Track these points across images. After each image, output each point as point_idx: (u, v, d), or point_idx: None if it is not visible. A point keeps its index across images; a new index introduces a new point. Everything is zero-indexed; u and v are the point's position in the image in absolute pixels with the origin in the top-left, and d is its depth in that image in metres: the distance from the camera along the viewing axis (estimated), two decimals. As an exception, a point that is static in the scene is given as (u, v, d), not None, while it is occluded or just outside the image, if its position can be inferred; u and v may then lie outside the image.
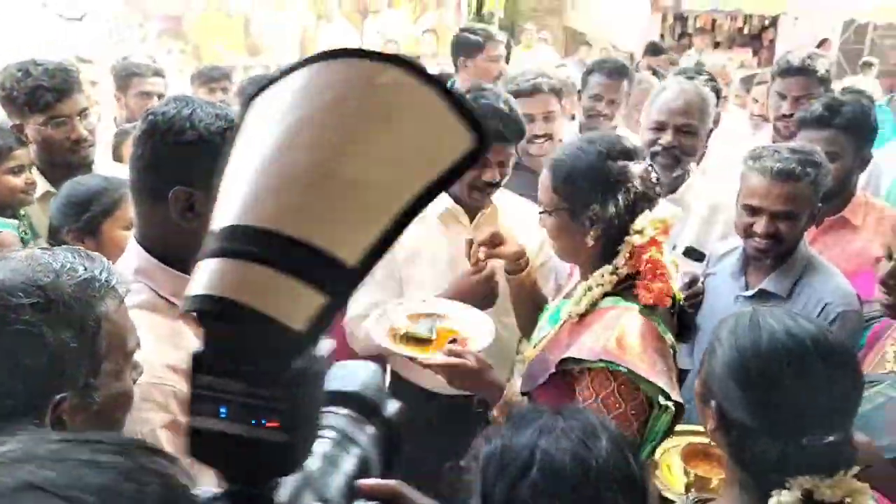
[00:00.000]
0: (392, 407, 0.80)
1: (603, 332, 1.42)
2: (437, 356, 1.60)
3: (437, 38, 8.28)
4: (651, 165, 1.51)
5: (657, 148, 2.17)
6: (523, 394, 1.57)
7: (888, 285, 1.54)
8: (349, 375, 0.80)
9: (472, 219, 2.04)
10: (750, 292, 1.89)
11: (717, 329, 1.16)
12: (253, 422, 0.56)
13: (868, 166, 2.25)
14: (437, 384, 1.95)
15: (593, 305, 1.49)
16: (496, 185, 1.97)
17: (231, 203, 0.56)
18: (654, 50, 6.02)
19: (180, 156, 1.20)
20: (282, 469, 0.60)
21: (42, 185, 2.20)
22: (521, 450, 0.98)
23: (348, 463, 0.71)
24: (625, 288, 1.48)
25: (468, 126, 0.54)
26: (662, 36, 10.50)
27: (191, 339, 1.33)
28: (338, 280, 0.53)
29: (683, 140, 2.18)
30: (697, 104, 2.21)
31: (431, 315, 1.81)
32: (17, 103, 2.13)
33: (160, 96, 3.11)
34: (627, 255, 1.46)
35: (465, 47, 3.42)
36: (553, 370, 1.46)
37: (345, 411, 0.75)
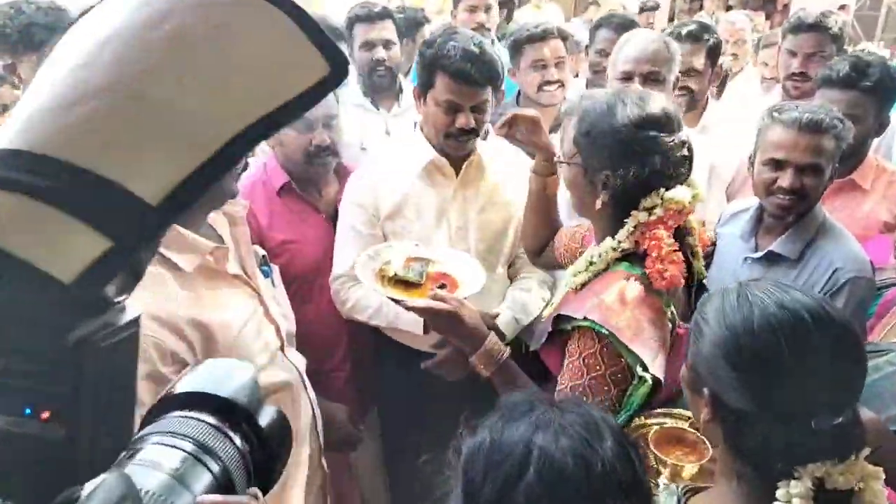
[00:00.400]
0: (268, 414, 0.69)
1: (596, 293, 1.39)
2: (419, 300, 1.56)
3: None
4: (685, 141, 1.40)
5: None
6: (533, 352, 1.54)
7: None
8: (220, 376, 0.70)
9: (457, 171, 1.99)
10: (759, 254, 1.85)
11: (700, 307, 1.05)
12: (19, 411, 0.43)
13: (885, 130, 2.19)
14: (421, 343, 1.94)
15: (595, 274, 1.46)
16: (473, 132, 1.90)
17: (7, 126, 0.44)
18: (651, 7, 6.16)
19: None
20: (61, 478, 0.45)
21: None
22: (513, 446, 0.87)
23: (202, 481, 0.60)
24: (631, 254, 1.43)
25: (321, 53, 0.46)
26: (674, -2, 10.26)
27: (173, 288, 1.32)
28: (130, 220, 0.42)
29: (652, 88, 2.12)
30: (663, 52, 2.17)
31: (423, 259, 1.78)
32: (10, 41, 2.10)
33: None
34: (631, 229, 1.39)
35: None
36: (550, 329, 1.44)
37: (209, 419, 0.64)
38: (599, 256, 1.43)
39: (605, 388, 1.33)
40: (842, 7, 9.95)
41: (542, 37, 2.61)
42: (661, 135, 1.35)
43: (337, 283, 2.01)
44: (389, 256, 1.77)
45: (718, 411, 0.98)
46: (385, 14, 2.74)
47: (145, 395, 1.14)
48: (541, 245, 1.88)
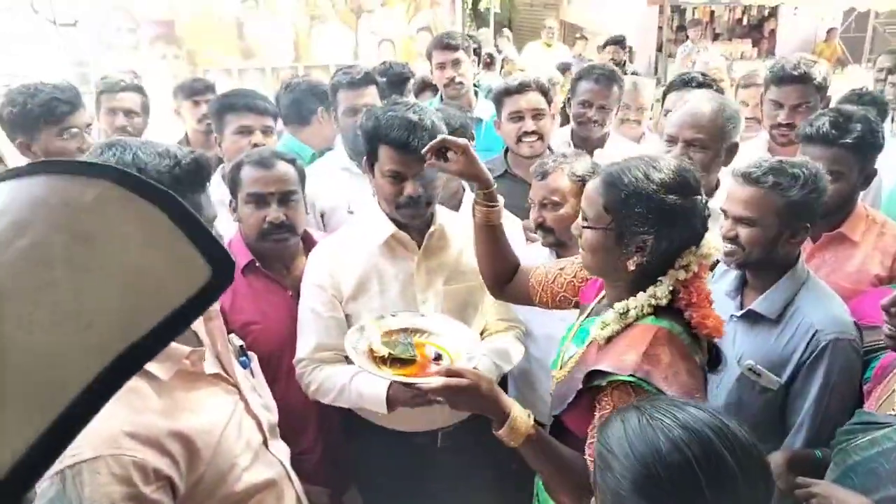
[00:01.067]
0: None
1: (631, 347, 1.37)
2: (434, 380, 1.48)
3: (431, 37, 8.20)
4: (705, 201, 1.44)
5: None
6: (554, 416, 1.52)
7: (891, 313, 1.46)
8: None
9: (419, 243, 1.96)
10: (739, 312, 1.83)
11: (601, 433, 1.05)
12: None
13: (872, 182, 2.16)
14: (388, 421, 1.93)
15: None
16: (423, 201, 1.87)
17: None
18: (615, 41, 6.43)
19: None
20: None
21: None
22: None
23: None
24: (656, 308, 1.43)
25: (202, 254, 0.41)
26: (661, 28, 10.39)
27: (150, 399, 1.28)
28: None
29: (692, 154, 2.14)
30: (710, 119, 2.16)
31: (405, 330, 1.74)
32: (31, 117, 2.23)
33: (129, 112, 3.08)
34: (670, 288, 1.41)
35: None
36: (580, 387, 1.40)
37: None
38: (629, 311, 1.42)
39: None
40: (830, 31, 10.09)
41: (519, 89, 2.68)
42: (698, 198, 1.40)
43: (300, 367, 1.97)
44: (369, 335, 1.73)
45: None
46: (367, 80, 2.76)
47: None
48: (500, 279, 1.85)
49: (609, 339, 1.44)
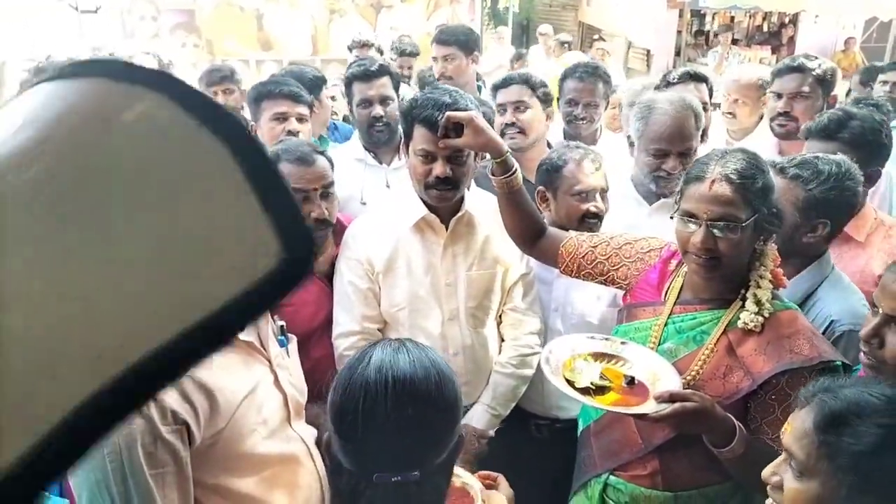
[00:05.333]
0: None
1: (803, 336, 1.50)
2: (668, 407, 1.43)
3: (450, 34, 8.25)
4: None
5: (662, 173, 2.17)
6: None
7: (870, 344, 1.39)
8: None
9: (447, 226, 2.00)
10: None
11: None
12: None
13: (878, 182, 2.18)
14: None
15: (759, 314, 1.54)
16: (451, 182, 1.89)
17: None
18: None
19: None
20: None
21: None
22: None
23: None
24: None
25: (276, 230, 0.30)
26: (680, 32, 10.37)
27: None
28: None
29: (684, 163, 2.15)
30: (690, 121, 2.18)
31: (580, 356, 1.63)
32: None
33: None
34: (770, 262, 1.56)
35: None
36: (755, 386, 1.49)
37: None
38: (763, 304, 1.53)
39: None
40: (848, 39, 10.02)
41: (503, 83, 2.77)
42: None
43: (349, 341, 1.99)
44: (559, 357, 1.63)
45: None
46: (381, 72, 2.79)
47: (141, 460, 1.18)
48: (526, 239, 1.87)
49: (749, 332, 1.52)
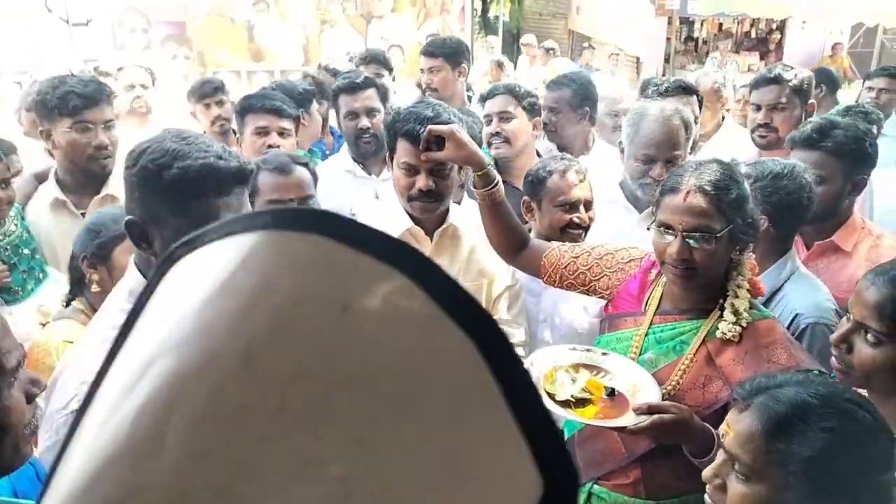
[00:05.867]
0: None
1: (781, 345, 1.52)
2: (647, 419, 1.43)
3: (440, 44, 8.26)
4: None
5: (648, 180, 2.17)
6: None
7: (839, 349, 1.40)
8: None
9: (432, 238, 2.00)
10: None
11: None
12: None
13: (863, 191, 2.19)
14: None
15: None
16: (434, 195, 1.90)
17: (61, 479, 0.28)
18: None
19: (131, 187, 1.30)
20: None
21: (56, 195, 2.36)
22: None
23: None
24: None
25: (536, 454, 0.25)
26: (669, 39, 10.43)
27: None
28: None
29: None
30: (680, 131, 2.18)
31: (561, 368, 1.62)
32: (49, 107, 2.28)
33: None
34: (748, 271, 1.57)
35: None
36: (726, 396, 1.49)
37: None
38: (741, 313, 1.54)
39: None
40: (835, 44, 10.11)
41: (488, 94, 2.80)
42: None
43: None
44: (539, 369, 1.61)
45: None
46: (367, 84, 2.81)
47: None
48: (509, 249, 1.87)
49: (727, 342, 1.53)
